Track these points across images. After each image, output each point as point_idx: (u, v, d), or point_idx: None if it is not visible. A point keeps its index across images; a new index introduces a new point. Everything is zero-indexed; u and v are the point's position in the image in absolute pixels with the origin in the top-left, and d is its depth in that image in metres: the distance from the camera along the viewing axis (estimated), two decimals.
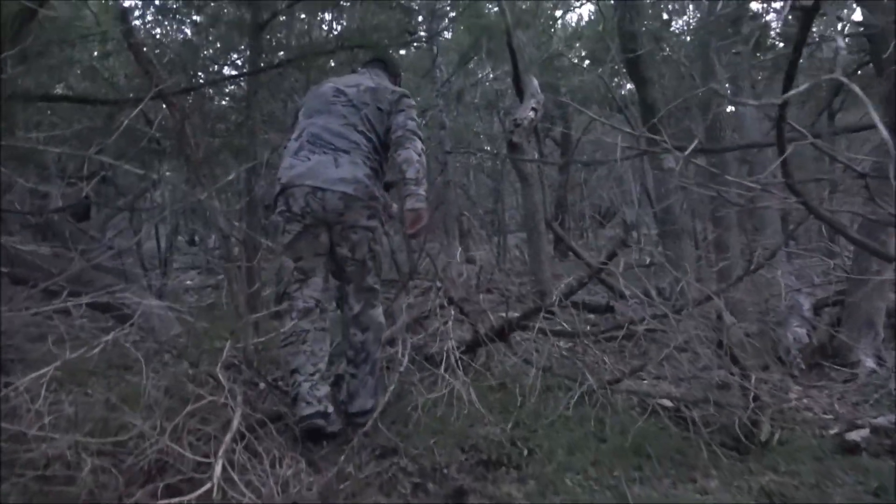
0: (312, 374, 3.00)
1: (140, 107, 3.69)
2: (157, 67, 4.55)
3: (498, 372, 3.77)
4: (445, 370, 3.45)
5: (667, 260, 5.78)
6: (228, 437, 2.30)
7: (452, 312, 3.66)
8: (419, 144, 3.13)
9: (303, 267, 3.14)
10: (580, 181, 16.25)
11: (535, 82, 7.93)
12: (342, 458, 2.74)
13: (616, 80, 13.52)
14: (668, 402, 3.31)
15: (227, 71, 7.73)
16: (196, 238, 14.98)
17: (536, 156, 8.02)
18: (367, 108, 3.22)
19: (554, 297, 3.23)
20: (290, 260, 3.14)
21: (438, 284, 4.04)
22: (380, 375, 3.24)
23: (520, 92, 7.99)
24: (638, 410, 3.25)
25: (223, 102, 8.03)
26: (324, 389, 2.97)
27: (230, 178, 2.88)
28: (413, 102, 3.32)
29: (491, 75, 11.74)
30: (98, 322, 4.57)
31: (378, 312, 3.22)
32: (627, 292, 3.63)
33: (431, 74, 9.82)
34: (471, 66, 11.55)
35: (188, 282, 13.54)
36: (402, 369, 3.42)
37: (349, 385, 3.16)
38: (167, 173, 9.21)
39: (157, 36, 7.70)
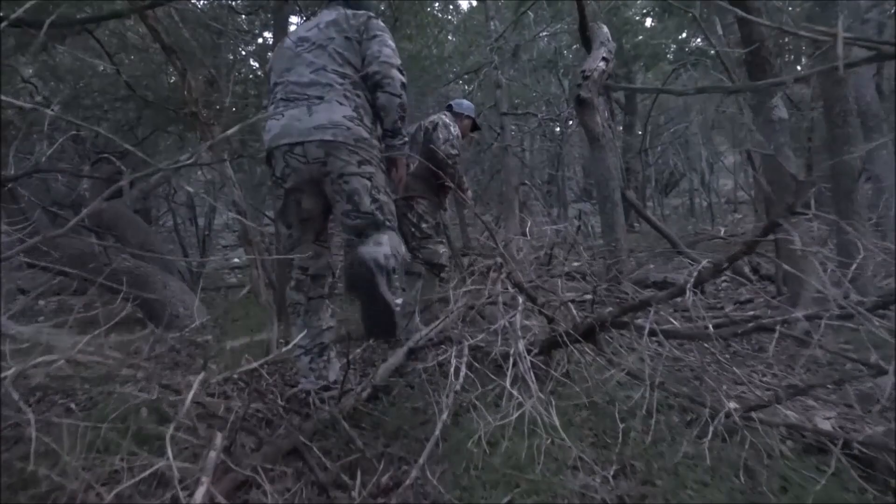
0: (312, 348, 3.00)
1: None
2: None
3: (582, 383, 2.87)
4: (513, 383, 2.56)
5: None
6: None
7: (521, 301, 2.74)
8: (397, 78, 2.82)
9: (292, 234, 3.00)
10: (644, 146, 15.02)
11: (605, 29, 6.89)
12: None
13: (686, 32, 12.26)
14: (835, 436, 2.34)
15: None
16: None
17: (607, 114, 7.00)
18: (334, 41, 2.91)
19: (685, 284, 2.27)
20: (285, 228, 3.01)
21: (500, 262, 3.11)
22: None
23: (586, 41, 6.99)
24: (796, 447, 2.29)
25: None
26: (322, 362, 2.98)
27: (230, 132, 2.02)
28: (383, 24, 2.95)
29: (545, 33, 10.67)
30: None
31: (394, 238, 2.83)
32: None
33: (485, 29, 8.82)
34: (527, 20, 10.48)
35: (236, 259, 12.95)
36: (458, 384, 2.54)
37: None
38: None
39: None
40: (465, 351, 2.79)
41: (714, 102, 16.14)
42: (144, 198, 9.01)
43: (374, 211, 2.81)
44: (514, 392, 2.47)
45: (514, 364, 2.60)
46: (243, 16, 6.94)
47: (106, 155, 7.65)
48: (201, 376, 1.99)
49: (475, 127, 5.29)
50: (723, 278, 6.66)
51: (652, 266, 8.24)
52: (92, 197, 8.11)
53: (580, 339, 2.81)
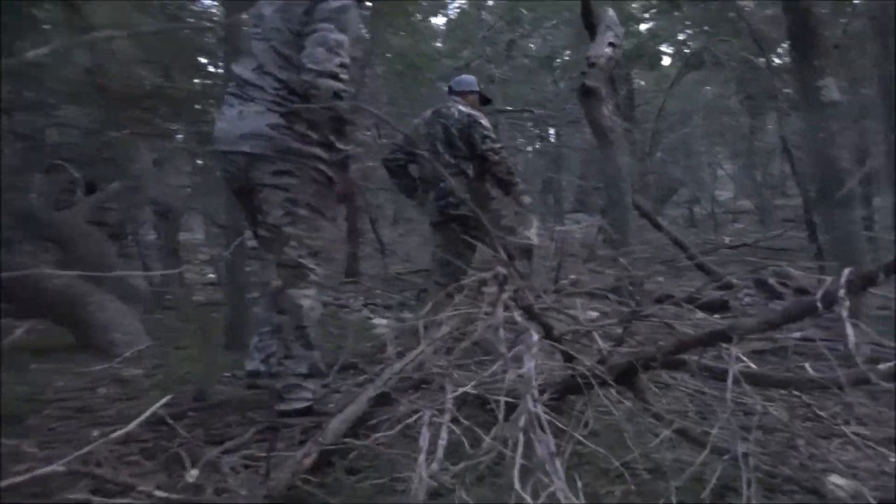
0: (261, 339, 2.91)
1: None
2: None
3: (611, 438, 2.05)
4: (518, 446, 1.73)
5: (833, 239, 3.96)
6: None
7: (534, 335, 1.92)
8: (325, 88, 2.43)
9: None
10: (645, 152, 14.23)
11: (612, 12, 6.14)
12: None
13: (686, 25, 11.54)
14: None
15: None
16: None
17: (612, 107, 6.23)
18: (278, 34, 2.62)
19: (813, 302, 1.45)
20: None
21: (503, 275, 2.27)
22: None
23: (590, 26, 6.24)
24: None
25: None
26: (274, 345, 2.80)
27: None
28: (336, 4, 2.51)
29: (543, 27, 9.94)
30: None
31: (302, 294, 2.62)
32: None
33: (477, 19, 8.08)
34: (521, 16, 9.76)
35: (211, 275, 12.08)
36: (441, 449, 1.72)
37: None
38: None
39: None
40: (449, 401, 1.97)
41: (718, 110, 15.54)
42: (104, 208, 8.19)
43: (283, 226, 2.61)
44: (520, 459, 1.66)
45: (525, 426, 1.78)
46: None
47: (60, 162, 6.86)
48: None
49: (485, 100, 4.68)
50: (745, 292, 5.88)
51: (661, 279, 7.46)
52: (44, 206, 7.31)
53: (612, 382, 1.99)
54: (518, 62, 9.90)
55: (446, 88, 4.63)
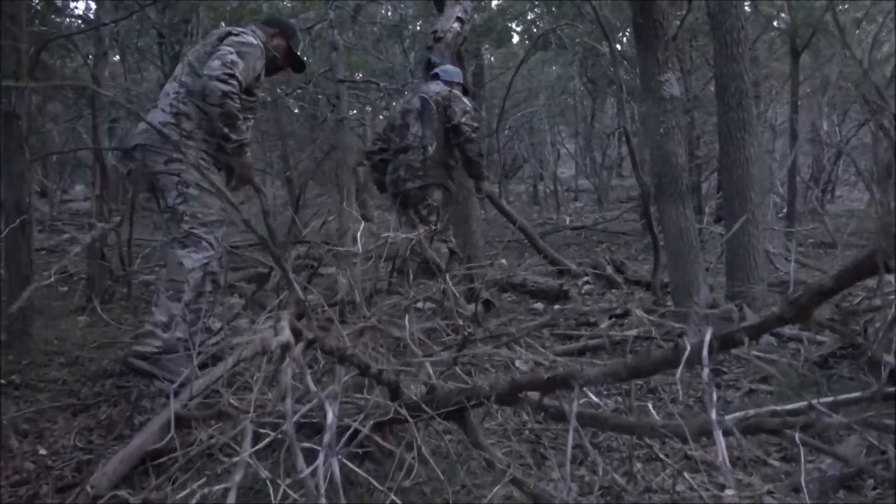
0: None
1: None
2: None
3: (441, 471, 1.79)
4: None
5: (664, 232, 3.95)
6: None
7: (338, 373, 1.57)
8: (214, 90, 2.98)
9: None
10: (492, 129, 14.25)
11: None
12: None
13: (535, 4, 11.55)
14: None
15: None
16: None
17: None
18: (194, 54, 3.25)
19: (697, 350, 1.21)
20: None
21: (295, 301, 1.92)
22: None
23: None
24: None
25: None
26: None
27: None
28: (243, 39, 3.18)
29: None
30: None
31: (186, 253, 3.07)
32: None
33: None
34: None
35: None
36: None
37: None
38: None
39: None
40: (248, 440, 1.61)
41: (560, 88, 15.88)
42: None
43: (176, 205, 3.09)
44: None
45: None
46: None
47: None
48: None
49: (465, 93, 4.57)
50: (584, 280, 5.91)
51: (504, 261, 7.42)
52: None
53: (440, 419, 1.72)
54: (365, 29, 9.42)
55: (432, 74, 4.63)
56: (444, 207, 4.37)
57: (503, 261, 7.47)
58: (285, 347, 1.32)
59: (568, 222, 11.39)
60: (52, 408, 2.65)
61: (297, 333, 1.35)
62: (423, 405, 1.72)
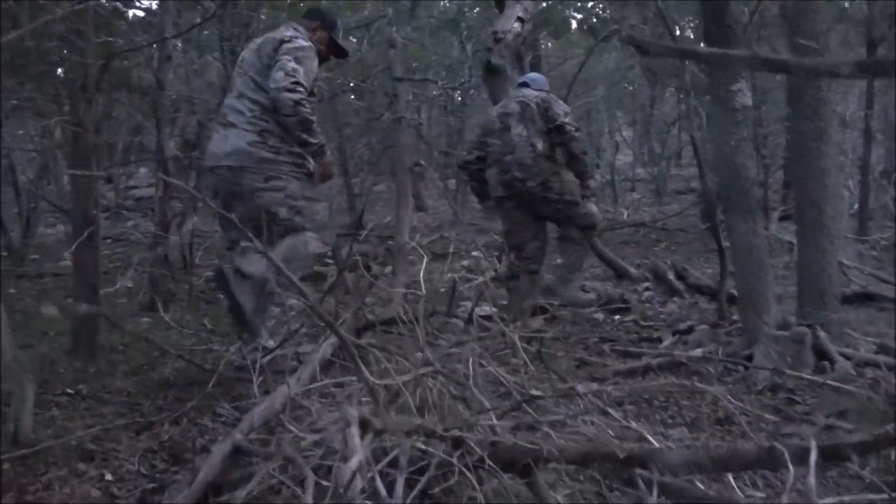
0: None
1: None
2: None
3: None
4: None
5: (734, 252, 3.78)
6: None
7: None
8: (286, 101, 3.12)
9: (230, 236, 3.42)
10: None
11: None
12: None
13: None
14: None
15: None
16: None
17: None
18: (253, 68, 3.32)
19: None
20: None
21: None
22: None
23: None
24: None
25: None
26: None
27: None
28: (297, 45, 3.27)
29: None
30: None
31: (311, 236, 3.40)
32: None
33: None
34: None
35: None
36: None
37: None
38: None
39: None
40: (310, 491, 1.59)
41: (619, 77, 15.49)
42: None
43: (293, 217, 3.32)
44: None
45: None
46: None
47: None
48: None
49: None
50: (645, 286, 5.74)
51: None
52: None
53: (502, 472, 1.67)
54: (422, 23, 9.34)
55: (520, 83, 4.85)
56: (572, 189, 4.43)
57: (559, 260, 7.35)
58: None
59: (625, 216, 11.11)
60: (116, 427, 2.68)
61: (364, 425, 1.32)
62: (487, 458, 1.67)
